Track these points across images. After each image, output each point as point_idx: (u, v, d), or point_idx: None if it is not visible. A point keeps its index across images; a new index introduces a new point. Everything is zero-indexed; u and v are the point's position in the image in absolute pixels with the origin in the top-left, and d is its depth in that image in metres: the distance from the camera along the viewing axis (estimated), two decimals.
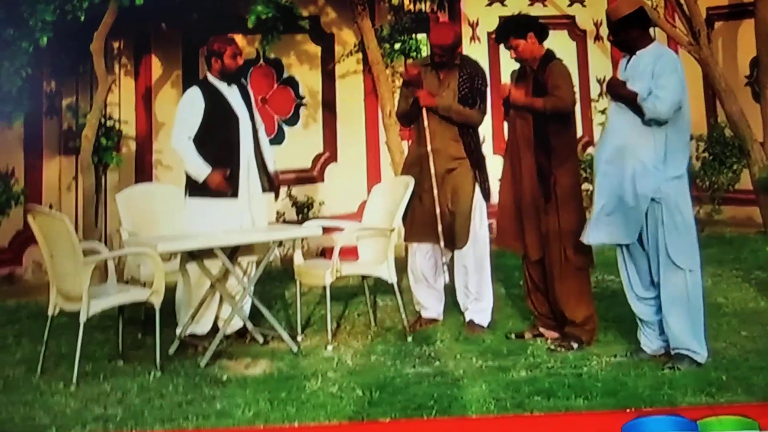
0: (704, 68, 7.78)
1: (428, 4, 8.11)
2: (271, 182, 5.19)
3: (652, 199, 4.26)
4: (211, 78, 5.12)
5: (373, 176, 7.91)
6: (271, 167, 5.21)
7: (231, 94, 5.12)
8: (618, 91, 4.37)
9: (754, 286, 5.84)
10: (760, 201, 7.72)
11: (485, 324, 5.11)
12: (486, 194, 5.15)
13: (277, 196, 5.30)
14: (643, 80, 4.26)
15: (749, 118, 7.73)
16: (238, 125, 5.07)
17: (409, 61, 7.64)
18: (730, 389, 3.91)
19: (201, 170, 4.96)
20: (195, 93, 5.08)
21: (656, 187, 4.25)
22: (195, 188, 5.01)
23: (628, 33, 4.35)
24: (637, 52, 4.36)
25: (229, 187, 4.98)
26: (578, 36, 9.02)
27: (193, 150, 4.97)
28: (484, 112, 5.18)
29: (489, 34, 8.42)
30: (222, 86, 5.10)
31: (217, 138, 5.01)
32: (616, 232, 4.36)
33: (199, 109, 5.01)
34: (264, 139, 5.25)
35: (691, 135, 7.62)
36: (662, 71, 4.25)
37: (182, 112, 5.09)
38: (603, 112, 6.27)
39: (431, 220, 5.06)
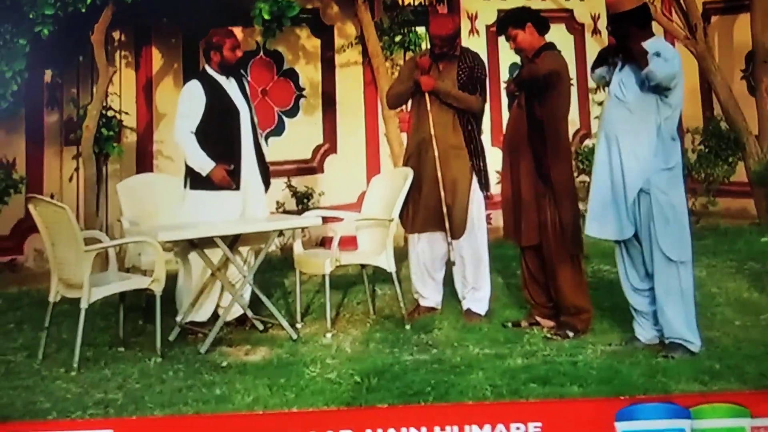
0: (700, 62, 7.81)
1: None
2: (266, 174, 5.20)
3: (642, 190, 4.27)
4: (210, 71, 5.11)
5: (373, 167, 7.90)
6: (266, 159, 5.21)
7: (230, 86, 5.11)
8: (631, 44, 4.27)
9: (747, 276, 5.85)
10: (755, 193, 7.75)
11: (483, 313, 5.12)
12: (483, 185, 5.14)
13: (267, 188, 5.26)
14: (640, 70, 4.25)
15: (745, 111, 7.77)
16: (238, 118, 5.07)
17: (409, 53, 7.67)
18: (723, 377, 3.93)
19: (204, 164, 4.95)
20: (195, 86, 5.06)
21: (646, 178, 4.26)
22: (196, 180, 5.01)
23: (629, 28, 4.29)
24: None
25: (232, 181, 4.99)
26: (576, 29, 9.01)
27: (195, 144, 4.96)
28: (484, 100, 5.19)
29: (488, 27, 8.43)
30: (221, 79, 5.09)
31: (218, 131, 5.01)
32: (610, 228, 4.38)
33: (200, 103, 5.00)
34: (259, 132, 5.25)
35: (687, 128, 7.66)
36: (665, 54, 4.23)
37: (183, 106, 5.07)
38: (600, 104, 6.32)
39: (435, 207, 5.04)
